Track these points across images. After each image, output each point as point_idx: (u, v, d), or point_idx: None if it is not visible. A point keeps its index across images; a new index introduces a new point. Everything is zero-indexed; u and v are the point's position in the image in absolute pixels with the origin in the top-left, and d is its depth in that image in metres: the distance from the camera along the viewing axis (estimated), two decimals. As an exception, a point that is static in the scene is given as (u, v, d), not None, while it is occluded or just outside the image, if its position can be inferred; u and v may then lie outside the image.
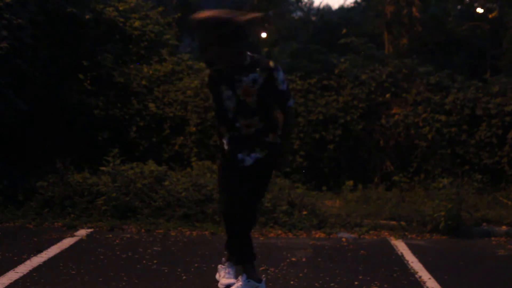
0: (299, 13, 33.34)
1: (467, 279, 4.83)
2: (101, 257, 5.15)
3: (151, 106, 9.83)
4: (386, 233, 6.61)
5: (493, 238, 6.58)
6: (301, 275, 4.76)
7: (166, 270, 4.77)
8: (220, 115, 4.05)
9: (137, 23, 9.46)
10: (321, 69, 10.62)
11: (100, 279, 4.47)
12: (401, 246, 5.94)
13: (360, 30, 23.06)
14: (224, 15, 3.83)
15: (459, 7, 26.48)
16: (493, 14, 23.66)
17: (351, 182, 8.60)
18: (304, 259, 5.28)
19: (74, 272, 4.64)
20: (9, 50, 6.94)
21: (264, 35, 25.55)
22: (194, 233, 6.28)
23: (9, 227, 6.27)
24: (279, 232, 6.45)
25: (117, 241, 5.78)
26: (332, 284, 4.52)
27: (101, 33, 8.93)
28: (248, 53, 3.97)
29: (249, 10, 24.20)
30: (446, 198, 6.82)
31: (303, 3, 33.78)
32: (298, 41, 22.64)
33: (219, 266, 4.36)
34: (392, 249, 5.84)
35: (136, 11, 9.73)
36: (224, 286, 4.20)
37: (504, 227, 6.86)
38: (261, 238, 6.04)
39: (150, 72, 10.29)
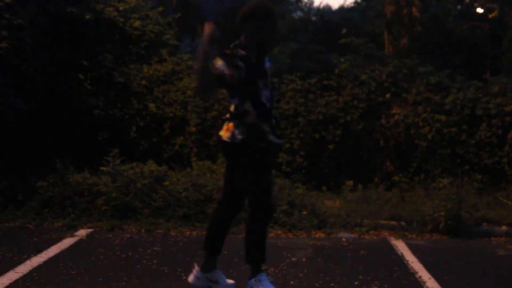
0: (299, 13, 33.33)
1: (467, 279, 4.83)
2: (101, 257, 5.15)
3: (151, 106, 9.83)
4: (386, 233, 6.61)
5: (493, 238, 6.58)
6: (301, 275, 4.76)
7: (166, 270, 4.77)
8: (250, 87, 4.01)
9: (137, 23, 9.47)
10: (321, 69, 10.62)
11: (100, 279, 4.47)
12: (401, 246, 5.94)
13: (360, 30, 23.03)
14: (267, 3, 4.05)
15: (459, 7, 26.47)
16: (493, 14, 23.65)
17: (351, 182, 8.60)
18: (304, 259, 5.28)
19: (74, 272, 4.64)
20: (9, 50, 6.94)
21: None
22: (194, 233, 6.28)
23: (9, 227, 6.28)
24: (279, 232, 6.46)
25: (117, 241, 5.78)
26: (332, 284, 4.52)
27: (101, 33, 8.94)
28: None
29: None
30: (446, 198, 6.82)
31: (303, 3, 33.79)
32: (298, 41, 22.59)
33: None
34: (392, 249, 5.84)
35: (136, 11, 9.74)
36: None
37: (504, 227, 6.86)
38: (261, 238, 6.04)
39: (150, 72, 10.28)
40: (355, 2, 32.35)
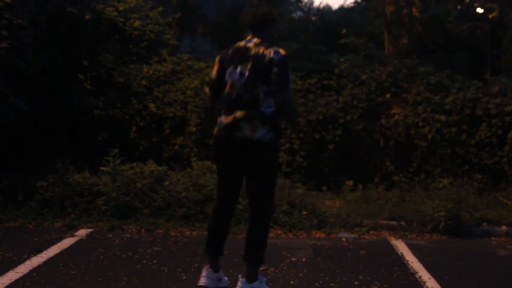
0: (299, 13, 33.30)
1: (467, 279, 4.83)
2: (101, 257, 5.15)
3: (151, 106, 9.83)
4: (386, 233, 6.61)
5: (493, 238, 6.58)
6: (301, 275, 4.76)
7: (166, 270, 4.77)
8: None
9: (137, 23, 9.47)
10: (321, 69, 10.62)
11: (100, 279, 4.47)
12: (401, 246, 5.94)
13: (360, 30, 23.04)
14: None
15: (459, 7, 26.45)
16: (493, 14, 23.64)
17: (351, 182, 8.60)
18: (304, 259, 5.28)
19: (74, 272, 4.64)
20: (9, 50, 6.94)
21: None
22: (194, 233, 6.28)
23: (9, 227, 6.28)
24: (279, 232, 6.45)
25: (117, 241, 5.78)
26: (332, 284, 4.52)
27: (101, 33, 8.94)
28: None
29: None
30: (446, 198, 6.82)
31: (303, 3, 33.76)
32: (298, 41, 22.57)
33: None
34: (392, 249, 5.84)
35: (136, 11, 9.74)
36: None
37: (504, 227, 6.86)
38: (261, 238, 6.04)
39: (150, 72, 10.29)
40: (355, 2, 32.34)
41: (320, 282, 4.57)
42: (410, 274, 4.90)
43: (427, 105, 9.42)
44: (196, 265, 4.93)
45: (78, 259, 5.02)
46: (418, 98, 9.55)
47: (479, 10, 24.57)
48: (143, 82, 10.07)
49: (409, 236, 6.51)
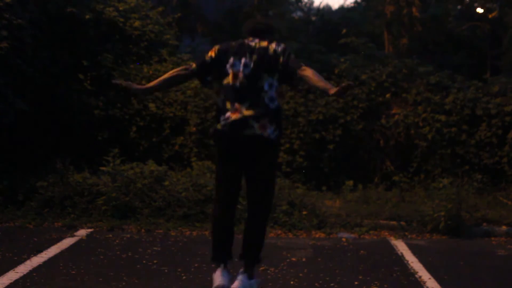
0: (299, 13, 33.27)
1: (467, 279, 4.83)
2: (101, 257, 5.15)
3: (151, 106, 9.83)
4: (386, 233, 6.61)
5: (493, 238, 6.59)
6: (301, 275, 4.76)
7: (166, 270, 4.77)
8: None
9: (137, 23, 9.44)
10: (321, 69, 10.54)
11: (100, 279, 4.47)
12: (401, 246, 5.95)
13: (360, 30, 23.01)
14: None
15: (459, 7, 26.42)
16: (493, 14, 23.61)
17: (351, 182, 8.60)
18: (304, 259, 5.28)
19: (74, 272, 4.64)
20: (9, 50, 6.93)
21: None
22: (194, 233, 6.28)
23: (9, 227, 6.28)
24: (279, 232, 6.46)
25: (117, 241, 5.78)
26: (332, 284, 4.52)
27: (101, 33, 8.92)
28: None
29: (250, 10, 24.18)
30: (446, 198, 6.82)
31: (303, 3, 33.70)
32: (298, 41, 22.56)
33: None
34: (392, 249, 5.84)
35: (136, 11, 9.71)
36: None
37: (504, 227, 6.86)
38: (261, 238, 6.04)
39: (150, 72, 10.28)
40: (355, 2, 32.30)
41: (320, 282, 4.57)
42: (410, 274, 4.90)
43: (427, 105, 9.42)
44: (196, 265, 4.93)
45: (78, 259, 5.02)
46: (418, 98, 9.56)
47: (479, 10, 24.55)
48: (143, 82, 10.06)
49: (409, 236, 6.51)
